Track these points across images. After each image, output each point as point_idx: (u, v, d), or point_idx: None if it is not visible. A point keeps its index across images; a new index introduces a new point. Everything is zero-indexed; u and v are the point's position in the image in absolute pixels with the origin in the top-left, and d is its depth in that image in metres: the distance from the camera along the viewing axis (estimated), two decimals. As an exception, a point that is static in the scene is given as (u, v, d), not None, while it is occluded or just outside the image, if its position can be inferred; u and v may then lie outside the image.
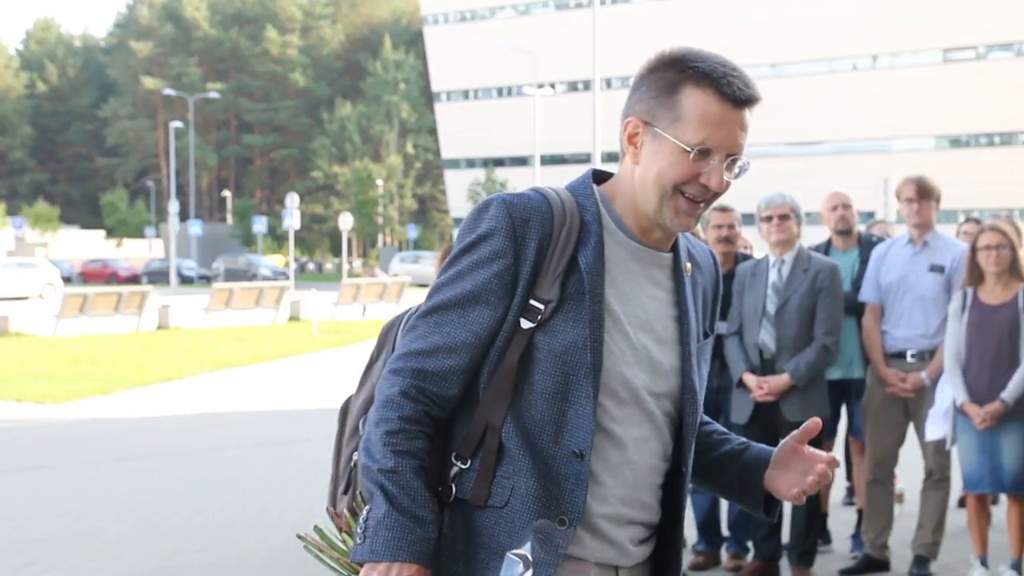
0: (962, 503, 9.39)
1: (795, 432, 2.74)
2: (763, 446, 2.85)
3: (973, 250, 7.33)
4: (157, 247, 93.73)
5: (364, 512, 2.51)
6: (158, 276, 71.83)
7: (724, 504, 8.42)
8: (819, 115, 72.41)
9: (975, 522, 7.51)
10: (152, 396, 17.97)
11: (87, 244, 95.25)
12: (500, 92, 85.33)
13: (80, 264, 78.56)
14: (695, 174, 2.56)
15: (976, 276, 7.35)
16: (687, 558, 8.24)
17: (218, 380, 20.01)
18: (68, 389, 18.10)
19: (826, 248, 8.49)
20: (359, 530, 2.50)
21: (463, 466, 2.58)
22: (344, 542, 2.65)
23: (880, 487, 7.95)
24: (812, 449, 2.73)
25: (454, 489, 2.58)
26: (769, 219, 7.54)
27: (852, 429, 8.58)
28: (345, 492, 2.73)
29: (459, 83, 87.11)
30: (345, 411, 2.86)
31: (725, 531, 8.32)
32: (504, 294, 2.56)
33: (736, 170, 2.62)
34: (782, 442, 2.76)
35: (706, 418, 2.92)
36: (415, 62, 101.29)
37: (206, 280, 71.32)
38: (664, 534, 2.75)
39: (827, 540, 8.52)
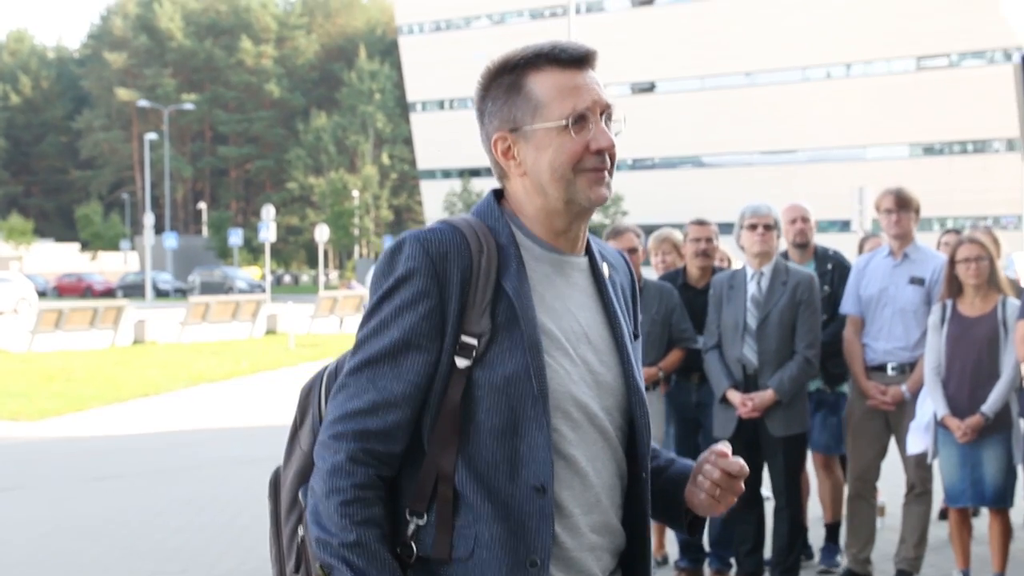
0: (943, 515, 9.37)
1: (714, 447, 2.63)
2: (687, 461, 2.75)
3: (952, 262, 7.32)
4: (132, 260, 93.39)
5: None
6: (133, 290, 71.58)
7: (707, 519, 8.34)
8: (793, 124, 72.55)
9: (957, 536, 7.49)
10: (128, 413, 17.85)
11: (62, 258, 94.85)
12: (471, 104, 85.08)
13: (55, 278, 78.27)
14: (583, 146, 2.49)
15: (955, 288, 7.33)
16: (669, 574, 8.20)
17: (195, 396, 19.90)
18: (43, 406, 17.96)
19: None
20: None
21: (420, 522, 2.46)
22: None
23: (862, 501, 7.92)
24: (727, 460, 2.59)
25: (415, 548, 2.46)
26: (754, 228, 7.48)
27: (811, 441, 8.53)
28: (296, 570, 2.61)
29: (435, 93, 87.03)
30: (276, 484, 2.73)
31: (707, 547, 8.27)
32: (435, 336, 2.45)
33: (615, 124, 2.56)
34: (701, 456, 2.66)
35: None
36: (390, 72, 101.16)
37: (182, 293, 71.15)
38: (633, 548, 2.66)
39: (809, 555, 8.48)
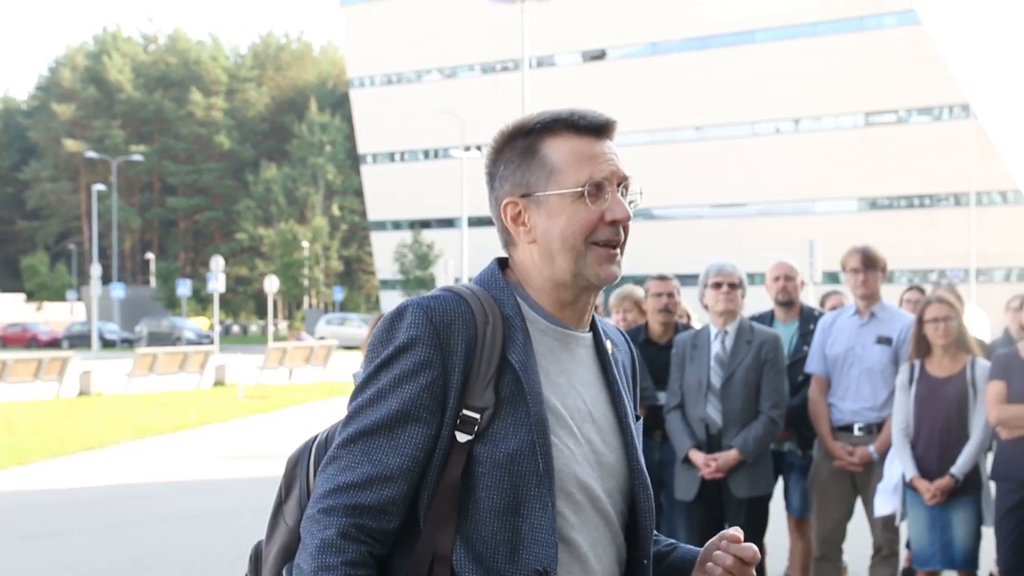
0: (908, 573, 9.24)
1: (723, 532, 2.50)
2: (689, 547, 2.64)
3: (920, 322, 7.22)
4: (79, 310, 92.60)
5: None
6: (79, 340, 70.88)
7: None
8: (743, 177, 73.07)
9: (926, 599, 7.35)
10: (72, 466, 17.49)
11: (7, 308, 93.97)
12: (427, 154, 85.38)
13: (-1, 328, 77.41)
14: (599, 215, 2.41)
15: (923, 348, 7.23)
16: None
17: (142, 448, 19.55)
18: (-15, 460, 17.58)
19: (769, 319, 8.35)
20: None
21: None
22: None
23: (828, 563, 7.79)
24: (740, 546, 2.46)
25: None
26: (719, 286, 7.36)
27: (787, 503, 8.40)
28: None
29: (386, 145, 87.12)
30: (257, 559, 2.59)
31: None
32: (436, 408, 2.33)
33: (630, 196, 2.48)
34: (708, 543, 2.54)
35: None
36: (341, 124, 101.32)
37: (129, 344, 70.52)
38: None
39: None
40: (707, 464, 7.23)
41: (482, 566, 2.30)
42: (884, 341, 7.60)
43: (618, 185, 2.44)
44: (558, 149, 2.43)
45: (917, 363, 7.25)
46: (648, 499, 2.51)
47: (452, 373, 2.33)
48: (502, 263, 2.54)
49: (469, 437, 2.32)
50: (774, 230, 68.81)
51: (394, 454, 2.31)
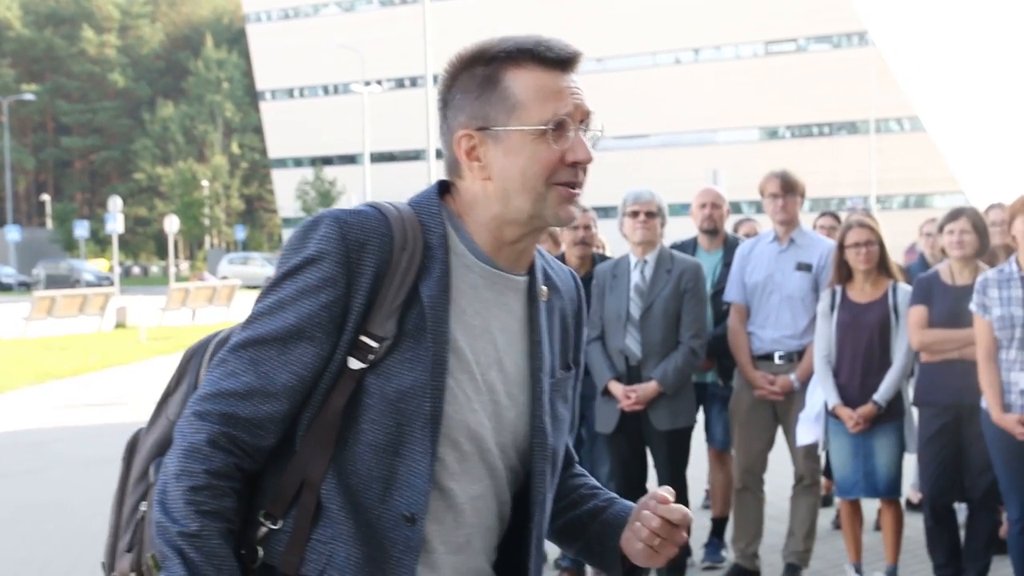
0: (827, 502, 9.23)
1: (655, 491, 2.35)
2: (625, 504, 2.48)
3: (841, 247, 7.10)
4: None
5: None
6: (-25, 285, 69.58)
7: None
8: (645, 109, 73.18)
9: (848, 528, 7.30)
10: (-29, 414, 17.08)
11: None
12: (327, 90, 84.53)
13: None
14: (561, 156, 2.25)
15: (844, 274, 7.12)
16: (552, 575, 7.88)
17: (42, 393, 19.16)
18: None
19: (692, 247, 8.18)
20: None
21: (273, 526, 2.21)
22: None
23: (749, 494, 7.69)
24: (668, 507, 2.31)
25: (260, 553, 2.21)
26: (635, 215, 7.18)
27: (708, 435, 8.28)
28: (129, 550, 2.34)
29: (284, 81, 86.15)
30: (132, 449, 2.45)
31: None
32: (332, 329, 2.19)
33: (592, 132, 2.33)
34: (641, 500, 2.38)
35: (580, 470, 2.61)
36: (238, 60, 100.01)
37: (26, 287, 69.33)
38: None
39: (688, 552, 8.19)
40: (626, 396, 7.08)
41: (350, 500, 2.19)
42: (804, 267, 7.46)
43: (582, 121, 2.30)
44: (522, 82, 2.26)
45: (838, 289, 7.14)
46: (544, 461, 2.36)
47: (355, 295, 2.20)
48: (444, 188, 2.37)
49: (362, 365, 2.20)
50: (677, 161, 69.07)
51: (281, 370, 2.18)
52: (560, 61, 2.28)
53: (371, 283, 2.20)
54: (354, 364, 2.19)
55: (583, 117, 2.30)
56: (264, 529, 2.21)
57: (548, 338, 2.39)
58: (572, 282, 2.52)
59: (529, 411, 2.34)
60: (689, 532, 2.32)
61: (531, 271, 2.38)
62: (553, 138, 2.25)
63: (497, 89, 2.26)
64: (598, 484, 2.58)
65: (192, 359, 2.46)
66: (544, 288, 2.40)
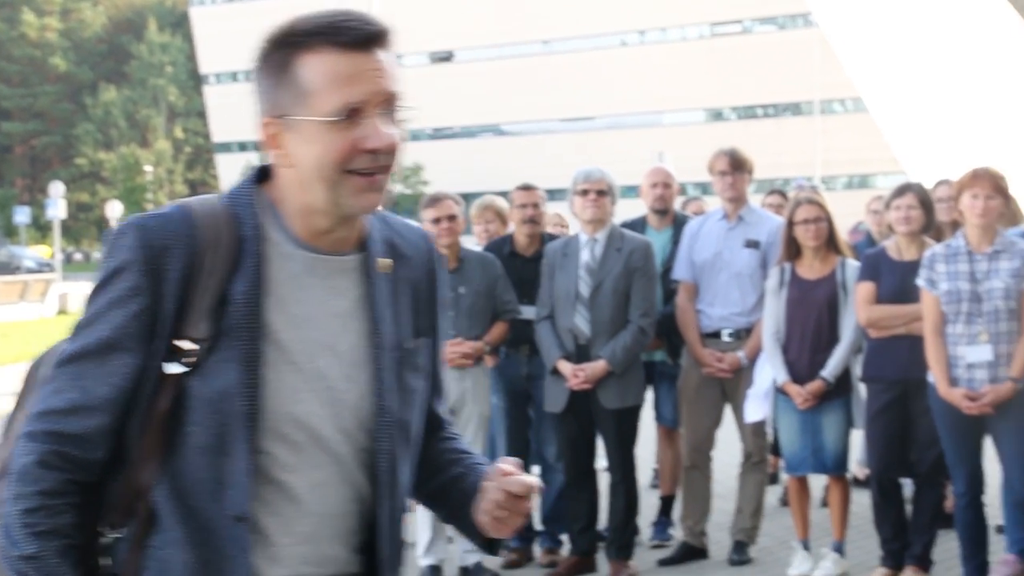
0: (774, 479, 9.25)
1: (499, 463, 2.32)
2: (482, 472, 2.44)
3: (790, 224, 7.10)
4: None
5: None
6: (-86, 272, 68.78)
7: (536, 497, 8.04)
8: (591, 91, 73.13)
9: (796, 505, 7.32)
10: (-88, 402, 16.84)
11: None
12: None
13: None
14: (353, 144, 2.17)
15: (793, 251, 7.13)
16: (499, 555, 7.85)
17: (-17, 381, 18.92)
18: None
19: (642, 225, 8.15)
20: None
21: (116, 535, 2.22)
22: None
23: (697, 472, 7.70)
24: (509, 479, 2.28)
25: (109, 561, 2.22)
26: (585, 193, 7.15)
27: (657, 413, 8.27)
28: None
29: (228, 65, 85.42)
30: None
31: (538, 525, 7.96)
32: (145, 337, 2.17)
33: (399, 118, 2.24)
34: (488, 472, 2.36)
35: (451, 434, 2.57)
36: (182, 44, 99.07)
37: (-34, 274, 68.56)
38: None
39: (636, 530, 8.19)
40: (575, 375, 7.06)
41: (183, 504, 2.19)
42: (752, 245, 7.47)
43: (383, 105, 2.20)
44: (313, 68, 2.17)
45: (787, 266, 7.15)
46: (391, 439, 2.32)
47: (164, 301, 2.17)
48: (264, 174, 2.31)
49: (183, 369, 2.17)
50: (623, 143, 69.04)
51: (102, 383, 2.17)
52: (357, 42, 2.19)
53: (179, 287, 2.17)
54: (173, 369, 2.17)
55: (385, 100, 2.21)
56: (110, 538, 2.22)
57: (392, 311, 2.35)
58: (424, 244, 2.46)
59: (370, 392, 2.30)
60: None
61: (365, 247, 2.33)
62: (345, 127, 2.17)
63: (289, 76, 2.19)
64: (464, 448, 2.54)
65: (33, 375, 2.45)
66: (386, 261, 2.35)
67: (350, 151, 2.17)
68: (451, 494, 2.45)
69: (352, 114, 2.16)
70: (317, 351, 2.25)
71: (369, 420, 2.29)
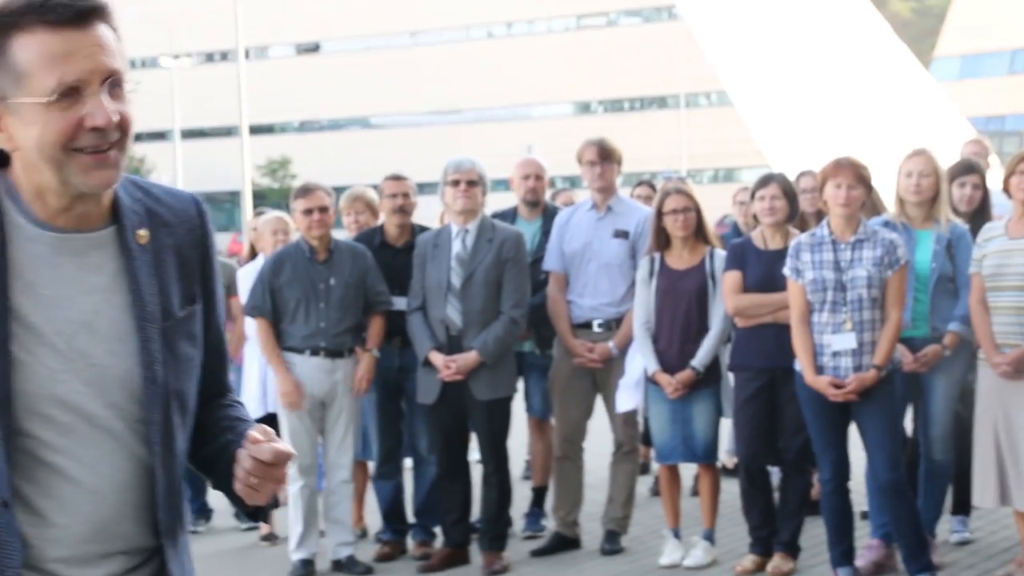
0: (645, 469, 9.32)
1: (248, 431, 2.30)
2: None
3: (659, 214, 7.15)
4: None
5: None
6: None
7: (409, 489, 8.04)
8: (458, 83, 73.06)
9: (667, 494, 7.38)
10: None
11: None
12: (133, 64, 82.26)
13: None
14: (75, 123, 2.14)
15: (662, 241, 7.18)
16: (372, 549, 7.82)
17: None
18: None
19: (512, 216, 8.15)
20: None
21: None
22: None
23: (569, 463, 7.72)
24: (258, 447, 2.26)
25: None
26: (456, 184, 7.13)
27: (527, 404, 8.29)
28: None
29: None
30: None
31: (411, 517, 7.93)
32: None
33: (125, 93, 2.21)
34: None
35: (231, 400, 2.55)
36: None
37: None
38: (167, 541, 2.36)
39: (509, 522, 8.20)
40: (446, 366, 7.05)
41: None
42: (621, 235, 7.50)
43: (104, 82, 2.16)
44: (26, 48, 2.13)
45: (656, 256, 7.20)
46: (163, 409, 2.30)
47: None
48: (5, 158, 2.27)
49: None
50: (492, 136, 69.06)
51: None
52: (69, 19, 2.14)
53: None
54: None
55: (107, 76, 2.17)
56: None
57: (157, 280, 2.32)
58: (192, 208, 2.42)
59: (139, 363, 2.28)
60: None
61: (119, 219, 2.30)
62: (64, 106, 2.14)
63: (4, 58, 2.14)
64: (240, 415, 2.50)
65: None
66: (142, 232, 2.31)
67: (73, 130, 2.14)
68: (220, 461, 2.42)
69: (70, 92, 2.13)
70: (75, 330, 2.23)
71: (140, 392, 2.27)
